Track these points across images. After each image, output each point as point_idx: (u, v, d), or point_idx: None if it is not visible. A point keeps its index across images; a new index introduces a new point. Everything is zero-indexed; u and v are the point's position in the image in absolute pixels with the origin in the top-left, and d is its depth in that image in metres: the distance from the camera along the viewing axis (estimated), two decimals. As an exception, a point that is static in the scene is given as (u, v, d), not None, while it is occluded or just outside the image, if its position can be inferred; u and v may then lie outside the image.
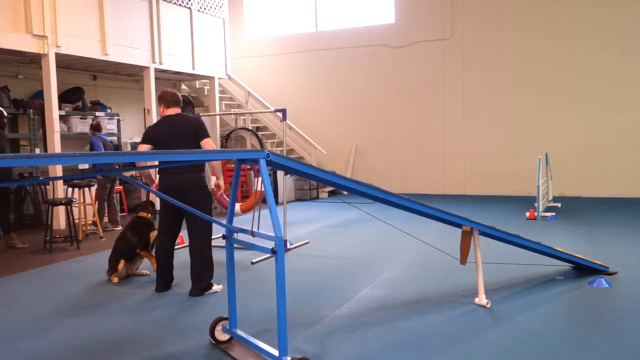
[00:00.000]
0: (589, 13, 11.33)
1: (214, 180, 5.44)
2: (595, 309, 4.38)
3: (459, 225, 4.63)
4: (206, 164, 6.28)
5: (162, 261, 5.21)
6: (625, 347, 3.60)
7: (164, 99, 5.19)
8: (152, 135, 5.11)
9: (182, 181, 4.97)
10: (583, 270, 5.46)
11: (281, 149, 12.51)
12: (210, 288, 5.11)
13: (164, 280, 5.23)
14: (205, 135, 5.06)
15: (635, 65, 11.07)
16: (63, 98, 10.02)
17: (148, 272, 5.77)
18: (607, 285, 4.95)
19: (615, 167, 11.33)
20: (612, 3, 11.14)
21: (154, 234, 5.69)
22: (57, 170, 8.69)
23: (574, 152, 11.58)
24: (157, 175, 5.36)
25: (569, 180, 11.54)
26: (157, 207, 6.46)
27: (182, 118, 5.16)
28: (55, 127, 8.80)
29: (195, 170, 5.02)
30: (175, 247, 5.38)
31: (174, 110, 5.18)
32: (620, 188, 11.30)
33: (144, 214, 5.81)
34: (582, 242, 6.96)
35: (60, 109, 9.35)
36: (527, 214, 8.98)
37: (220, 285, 5.19)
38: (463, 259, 4.60)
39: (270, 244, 3.23)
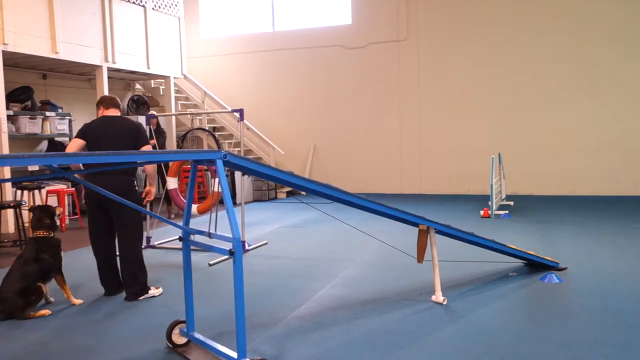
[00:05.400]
0: (541, 16, 11.66)
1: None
2: (547, 304, 4.51)
3: (415, 225, 4.70)
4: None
5: (105, 268, 5.08)
6: (575, 341, 3.72)
7: (103, 102, 5.19)
8: (89, 133, 4.99)
9: (113, 183, 4.77)
10: (535, 266, 5.61)
11: (239, 149, 12.42)
12: (147, 292, 4.99)
13: (112, 284, 5.10)
14: (146, 142, 5.06)
15: (585, 68, 11.45)
16: (11, 97, 9.67)
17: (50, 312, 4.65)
18: (557, 281, 5.11)
19: (564, 166, 11.70)
20: (566, 7, 11.50)
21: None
22: (5, 172, 8.39)
23: (525, 152, 11.90)
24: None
25: (521, 179, 11.86)
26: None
27: (124, 121, 5.14)
28: (2, 128, 8.49)
29: (126, 172, 4.93)
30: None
31: (113, 112, 5.15)
32: (569, 186, 11.69)
33: (42, 233, 4.80)
34: (534, 239, 7.16)
35: (8, 108, 9.03)
36: (481, 212, 9.18)
37: (160, 289, 5.10)
38: (420, 258, 4.67)
39: (227, 246, 3.20)
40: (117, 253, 5.07)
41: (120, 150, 4.67)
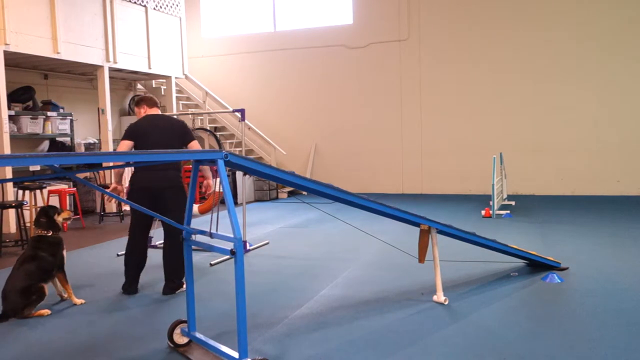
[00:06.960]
0: (543, 16, 11.65)
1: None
2: (548, 304, 4.51)
3: (417, 224, 4.69)
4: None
5: (136, 262, 5.13)
6: (576, 341, 3.72)
7: (147, 101, 5.35)
8: (137, 132, 5.08)
9: (160, 179, 4.96)
10: (536, 266, 5.61)
11: (240, 149, 12.43)
12: (182, 286, 5.06)
13: (136, 281, 5.16)
14: (192, 138, 5.22)
15: (586, 68, 11.44)
16: (12, 97, 9.68)
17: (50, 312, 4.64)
18: (559, 281, 5.11)
19: (565, 166, 11.70)
20: (567, 8, 11.49)
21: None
22: (7, 172, 8.40)
23: (526, 152, 11.89)
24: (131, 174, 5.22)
25: (523, 179, 11.85)
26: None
27: (169, 119, 5.33)
28: (4, 128, 8.50)
29: (173, 168, 5.07)
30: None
31: (156, 110, 5.34)
32: (571, 186, 11.68)
33: (40, 232, 4.77)
34: (536, 239, 7.15)
35: (9, 108, 9.03)
36: (483, 212, 9.17)
37: None
38: (421, 258, 4.66)
39: (229, 246, 3.20)
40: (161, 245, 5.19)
41: (161, 149, 4.66)
